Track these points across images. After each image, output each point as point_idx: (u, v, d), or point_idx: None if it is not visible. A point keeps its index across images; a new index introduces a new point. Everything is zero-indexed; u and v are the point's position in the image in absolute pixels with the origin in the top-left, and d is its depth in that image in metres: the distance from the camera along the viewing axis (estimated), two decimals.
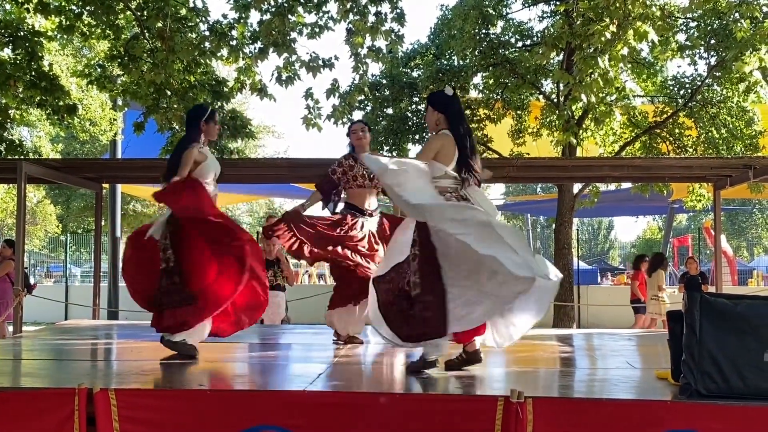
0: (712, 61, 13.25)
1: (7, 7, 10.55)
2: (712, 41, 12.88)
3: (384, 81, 13.85)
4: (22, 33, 9.88)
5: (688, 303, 3.72)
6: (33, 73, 9.84)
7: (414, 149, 14.19)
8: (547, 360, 5.58)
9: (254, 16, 9.34)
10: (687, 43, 13.18)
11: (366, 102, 13.71)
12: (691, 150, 13.59)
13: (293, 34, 8.81)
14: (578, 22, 9.47)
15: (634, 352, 6.07)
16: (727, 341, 3.68)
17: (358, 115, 14.06)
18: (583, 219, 36.72)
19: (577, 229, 16.28)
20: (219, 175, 5.43)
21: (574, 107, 9.89)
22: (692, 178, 11.17)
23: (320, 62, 9.06)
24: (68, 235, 25.58)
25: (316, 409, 3.60)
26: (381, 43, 9.18)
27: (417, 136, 14.38)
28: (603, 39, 8.91)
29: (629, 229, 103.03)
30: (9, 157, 10.00)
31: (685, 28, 13.54)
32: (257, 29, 9.12)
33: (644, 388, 4.13)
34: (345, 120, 13.04)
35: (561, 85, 12.43)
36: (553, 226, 14.44)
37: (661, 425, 3.52)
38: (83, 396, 3.52)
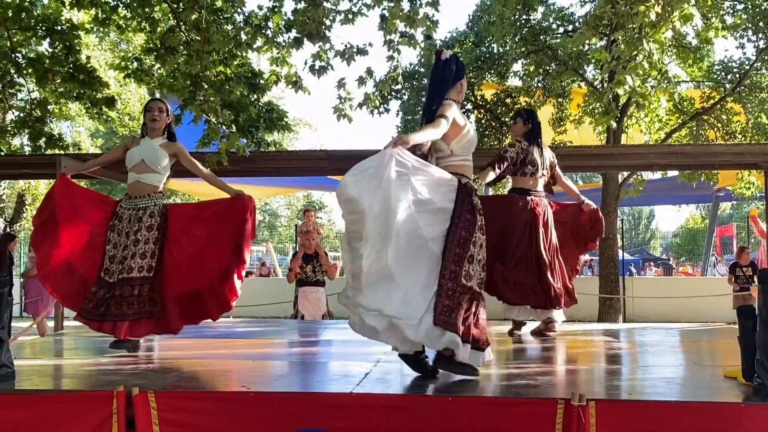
0: (761, 44, 12.80)
1: (45, 1, 10.53)
2: (761, 23, 12.43)
3: (422, 69, 13.59)
4: (59, 27, 9.86)
5: (763, 298, 3.47)
6: (71, 66, 9.82)
7: None
8: (604, 357, 5.34)
9: (288, 5, 9.20)
10: (731, 24, 12.73)
11: (403, 91, 13.48)
12: (739, 136, 13.15)
13: (327, 22, 8.62)
14: (621, 1, 9.13)
15: (695, 348, 5.78)
16: None
17: (394, 104, 13.85)
18: (623, 208, 36.14)
19: (621, 219, 15.91)
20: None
21: (619, 90, 9.55)
22: (743, 165, 10.80)
23: (354, 50, 8.87)
24: None
25: (363, 413, 3.41)
26: (416, 30, 8.95)
27: None
28: (647, 20, 8.58)
29: (671, 219, 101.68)
30: (48, 152, 9.99)
31: (732, 11, 13.08)
32: (291, 18, 8.95)
33: (713, 389, 3.85)
34: (381, 109, 12.89)
35: (603, 68, 12.09)
36: None
37: (735, 429, 3.28)
38: (122, 399, 3.39)
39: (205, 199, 6.33)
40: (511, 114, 13.54)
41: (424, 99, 4.34)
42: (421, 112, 4.35)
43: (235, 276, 5.26)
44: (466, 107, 14.10)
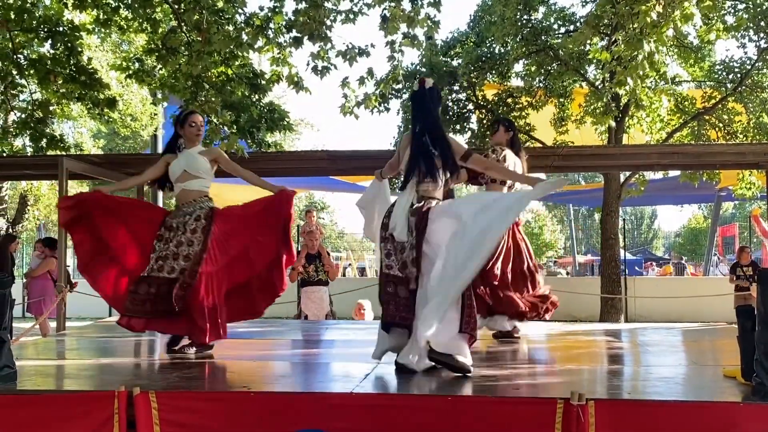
0: (762, 43, 12.80)
1: (47, 2, 10.55)
2: (762, 23, 12.43)
3: (423, 69, 13.59)
4: (61, 28, 9.88)
5: (762, 297, 3.47)
6: (72, 67, 9.84)
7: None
8: (605, 357, 5.34)
9: (289, 5, 9.18)
10: (733, 23, 12.73)
11: (404, 90, 13.49)
12: (741, 136, 13.16)
13: (328, 22, 8.63)
14: (622, 1, 9.14)
15: (696, 348, 5.79)
16: None
17: (395, 103, 13.84)
18: (626, 208, 36.13)
19: (624, 219, 15.91)
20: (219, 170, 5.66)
21: (620, 90, 9.56)
22: (744, 165, 10.81)
23: (356, 51, 8.87)
24: None
25: (363, 413, 3.43)
26: (417, 31, 8.95)
27: (457, 126, 14.13)
28: (648, 19, 8.59)
29: (673, 219, 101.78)
30: (50, 153, 10.01)
31: (733, 11, 13.08)
32: (292, 18, 8.96)
33: (712, 389, 3.86)
34: (382, 108, 12.87)
35: (604, 68, 12.08)
36: (596, 216, 14.14)
37: (734, 428, 3.29)
38: (123, 399, 3.40)
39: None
40: (511, 114, 13.58)
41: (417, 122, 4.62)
42: (419, 130, 4.54)
43: (284, 264, 5.42)
44: (468, 107, 14.11)
